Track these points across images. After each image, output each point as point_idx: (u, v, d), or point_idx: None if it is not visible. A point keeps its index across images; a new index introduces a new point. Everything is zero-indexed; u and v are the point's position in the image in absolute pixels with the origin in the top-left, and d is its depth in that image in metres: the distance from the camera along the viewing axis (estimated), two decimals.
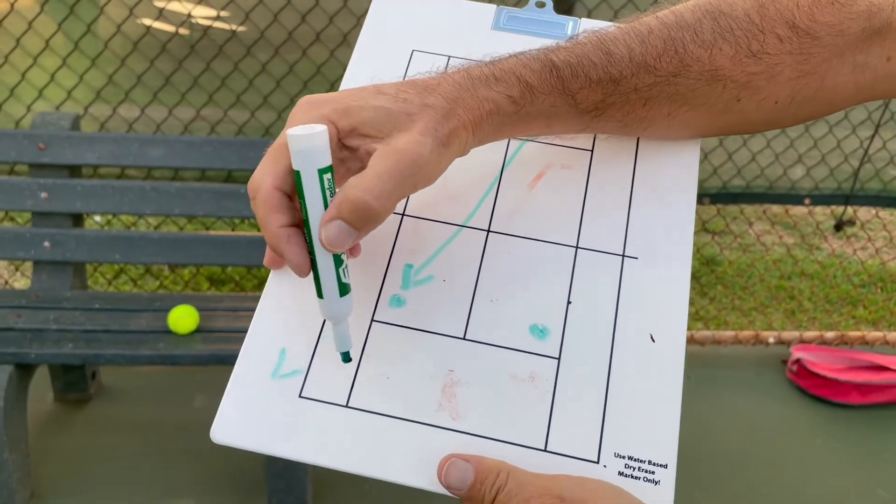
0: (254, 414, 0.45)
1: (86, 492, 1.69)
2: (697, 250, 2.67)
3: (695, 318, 2.55)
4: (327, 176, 0.41)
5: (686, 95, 0.48)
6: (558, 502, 0.39)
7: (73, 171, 1.86)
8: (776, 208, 2.79)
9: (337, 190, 0.41)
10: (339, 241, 0.41)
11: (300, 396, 0.45)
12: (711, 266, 2.76)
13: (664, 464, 0.43)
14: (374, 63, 0.57)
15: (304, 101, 0.43)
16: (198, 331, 1.66)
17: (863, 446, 2.05)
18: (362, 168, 0.42)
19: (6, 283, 2.43)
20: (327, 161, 0.41)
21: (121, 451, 1.81)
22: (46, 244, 1.80)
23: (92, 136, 1.86)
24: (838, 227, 2.50)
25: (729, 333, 2.42)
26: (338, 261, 0.42)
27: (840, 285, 2.84)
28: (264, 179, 0.42)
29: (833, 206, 2.54)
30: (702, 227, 2.65)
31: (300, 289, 0.48)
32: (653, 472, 0.43)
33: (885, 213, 2.82)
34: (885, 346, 2.46)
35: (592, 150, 0.54)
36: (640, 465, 0.43)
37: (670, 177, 0.53)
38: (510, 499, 0.40)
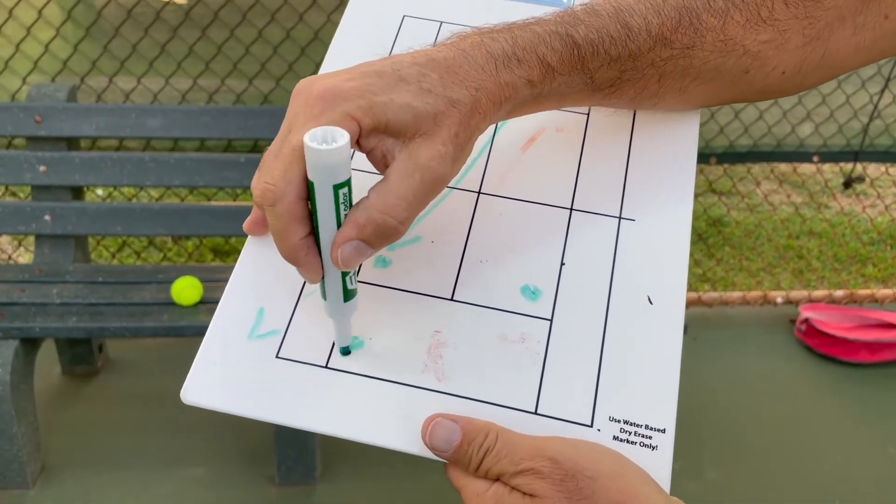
0: (228, 374, 0.43)
1: (96, 464, 1.70)
2: (704, 211, 2.64)
3: (702, 279, 2.54)
4: (343, 191, 0.38)
5: (699, 68, 0.47)
6: (551, 465, 0.38)
7: (72, 143, 1.85)
8: (784, 167, 2.75)
9: (353, 202, 0.39)
10: (355, 260, 0.39)
11: (277, 357, 0.44)
12: (718, 227, 2.74)
13: (662, 428, 0.42)
14: (363, 29, 0.55)
15: (321, 91, 0.39)
16: (202, 302, 1.66)
17: (873, 405, 2.05)
18: (373, 165, 0.41)
19: (9, 258, 2.43)
20: (345, 175, 0.38)
21: (130, 422, 1.82)
22: (47, 218, 1.79)
23: (89, 108, 1.84)
24: (847, 184, 2.46)
25: (737, 294, 2.41)
26: (345, 271, 0.41)
27: (849, 243, 2.81)
28: (287, 189, 0.38)
29: (842, 164, 2.51)
30: (708, 188, 2.62)
31: None
32: (650, 437, 0.42)
33: (894, 170, 2.77)
34: (894, 303, 2.44)
35: (588, 114, 0.53)
36: (636, 429, 0.42)
37: (670, 138, 0.51)
38: (499, 461, 0.39)
